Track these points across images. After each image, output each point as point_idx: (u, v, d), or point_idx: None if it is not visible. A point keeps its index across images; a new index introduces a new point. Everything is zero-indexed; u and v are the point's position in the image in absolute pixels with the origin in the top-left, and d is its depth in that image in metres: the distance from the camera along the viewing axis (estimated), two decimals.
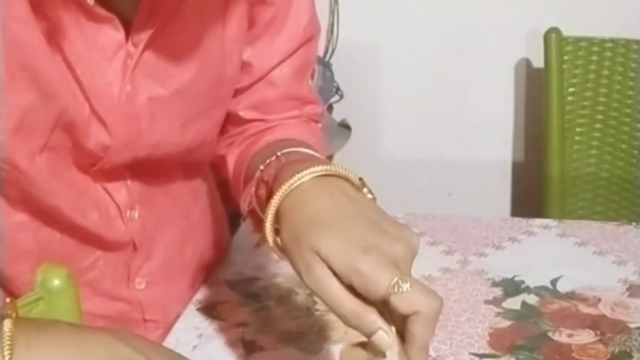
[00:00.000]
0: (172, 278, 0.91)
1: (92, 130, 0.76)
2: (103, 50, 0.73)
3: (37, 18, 0.68)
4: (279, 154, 0.71)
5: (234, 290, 0.92)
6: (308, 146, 0.76)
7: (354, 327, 0.58)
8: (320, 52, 1.94)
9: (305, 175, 0.62)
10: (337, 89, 1.97)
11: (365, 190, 0.65)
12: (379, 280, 0.55)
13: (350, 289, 0.57)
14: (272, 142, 0.83)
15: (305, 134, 0.86)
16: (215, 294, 0.92)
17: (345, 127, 1.96)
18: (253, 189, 0.70)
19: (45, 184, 0.75)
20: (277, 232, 0.63)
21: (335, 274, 0.57)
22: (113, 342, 0.54)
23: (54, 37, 0.70)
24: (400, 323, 0.58)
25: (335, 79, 1.93)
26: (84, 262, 0.83)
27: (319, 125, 0.93)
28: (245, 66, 0.86)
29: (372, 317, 0.57)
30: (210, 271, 0.97)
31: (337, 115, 1.99)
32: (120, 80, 0.75)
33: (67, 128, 0.74)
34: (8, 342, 0.51)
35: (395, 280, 0.55)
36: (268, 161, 0.71)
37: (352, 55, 1.96)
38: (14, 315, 0.54)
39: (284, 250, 0.62)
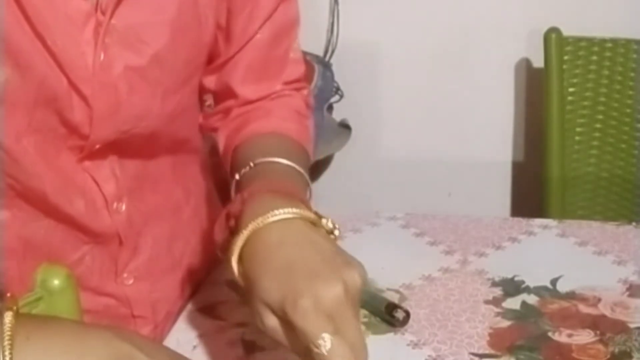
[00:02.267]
0: (161, 275, 0.91)
1: (74, 102, 0.76)
2: (72, 20, 0.73)
3: None
4: (251, 164, 0.79)
5: (234, 290, 0.92)
6: (287, 143, 0.85)
7: None
8: (320, 52, 1.94)
9: (264, 220, 0.66)
10: (337, 89, 1.97)
11: (324, 222, 0.69)
12: (306, 332, 0.59)
13: None
14: (252, 137, 0.87)
15: (286, 121, 0.90)
16: (215, 294, 0.92)
17: (345, 127, 1.96)
18: (224, 222, 0.73)
19: (30, 166, 0.75)
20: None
21: None
22: (113, 338, 0.54)
23: (22, 8, 0.70)
24: None
25: (335, 79, 1.93)
26: (70, 257, 0.83)
27: (303, 91, 0.95)
28: (228, 35, 0.88)
29: None
30: (205, 270, 0.97)
31: (337, 115, 1.99)
32: (93, 49, 0.75)
33: (50, 102, 0.74)
34: (9, 333, 0.51)
35: (320, 335, 0.58)
36: (242, 172, 0.78)
37: (352, 55, 1.96)
38: (14, 308, 0.54)
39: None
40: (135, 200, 0.86)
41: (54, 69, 0.73)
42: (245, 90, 0.91)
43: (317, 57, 1.90)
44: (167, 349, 0.59)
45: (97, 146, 0.79)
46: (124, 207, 0.84)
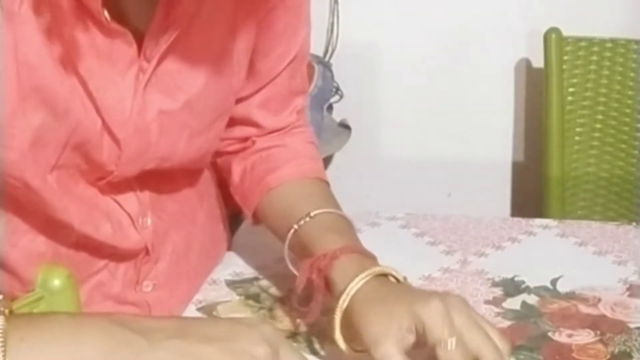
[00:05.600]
0: (178, 280, 0.91)
1: (104, 144, 0.76)
2: (116, 65, 0.73)
3: (50, 38, 0.68)
4: (312, 214, 0.83)
5: (234, 290, 0.92)
6: (326, 187, 0.92)
7: None
8: (320, 52, 1.94)
9: (360, 281, 0.74)
10: (337, 89, 1.96)
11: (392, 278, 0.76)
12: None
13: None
14: (291, 182, 0.90)
15: (315, 161, 0.95)
16: (215, 294, 0.92)
17: (345, 127, 1.96)
18: (312, 273, 0.79)
19: (57, 201, 0.76)
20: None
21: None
22: (110, 326, 0.54)
23: (68, 55, 0.70)
24: None
25: (335, 79, 1.93)
26: (95, 266, 0.84)
27: (308, 125, 0.98)
28: (251, 74, 0.88)
29: None
30: (210, 271, 0.97)
31: (337, 115, 1.99)
32: (132, 94, 0.75)
33: (79, 145, 0.75)
34: (1, 338, 0.51)
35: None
36: (301, 223, 0.83)
37: (352, 55, 1.96)
38: (6, 311, 0.54)
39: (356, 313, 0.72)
40: (158, 211, 0.87)
41: (90, 113, 0.74)
42: (267, 121, 0.92)
43: (317, 57, 1.89)
44: (169, 322, 0.58)
45: (117, 180, 0.80)
46: (149, 221, 0.85)
